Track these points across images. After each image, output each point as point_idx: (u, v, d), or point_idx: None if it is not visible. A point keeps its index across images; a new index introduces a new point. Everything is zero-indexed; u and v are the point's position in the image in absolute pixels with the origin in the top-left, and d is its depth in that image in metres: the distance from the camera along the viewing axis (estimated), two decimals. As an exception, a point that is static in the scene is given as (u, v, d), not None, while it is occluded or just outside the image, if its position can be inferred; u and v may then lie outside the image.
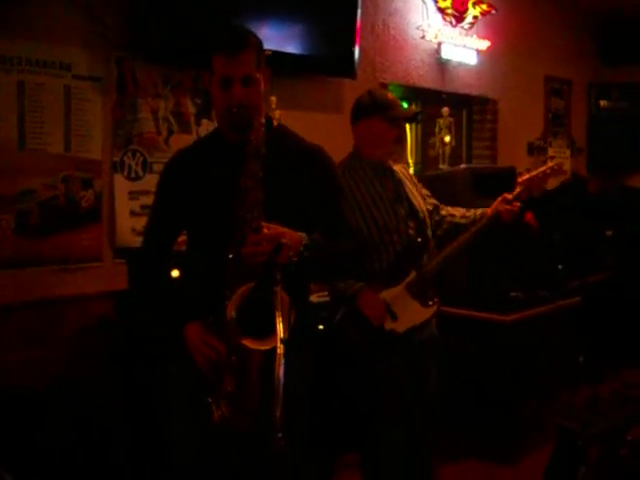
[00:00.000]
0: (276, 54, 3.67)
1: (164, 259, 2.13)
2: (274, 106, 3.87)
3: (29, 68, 3.10)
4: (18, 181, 3.10)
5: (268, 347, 1.64)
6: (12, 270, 3.09)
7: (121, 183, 3.44)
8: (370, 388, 2.70)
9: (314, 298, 3.24)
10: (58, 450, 2.84)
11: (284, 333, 1.47)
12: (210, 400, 1.86)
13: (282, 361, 1.41)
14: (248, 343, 1.72)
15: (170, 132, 3.58)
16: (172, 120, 3.59)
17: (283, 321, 1.59)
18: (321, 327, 3.31)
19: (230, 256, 1.83)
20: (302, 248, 1.82)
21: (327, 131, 4.04)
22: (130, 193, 3.46)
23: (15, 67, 3.06)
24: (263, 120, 1.95)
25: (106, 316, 3.27)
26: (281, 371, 1.40)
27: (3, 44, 3.02)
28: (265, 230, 1.78)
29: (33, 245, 3.16)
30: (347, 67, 4.19)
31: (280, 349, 1.43)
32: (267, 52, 3.61)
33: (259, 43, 2.02)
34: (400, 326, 2.66)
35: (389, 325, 2.66)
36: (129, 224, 3.44)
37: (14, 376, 3.05)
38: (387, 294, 2.67)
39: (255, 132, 1.88)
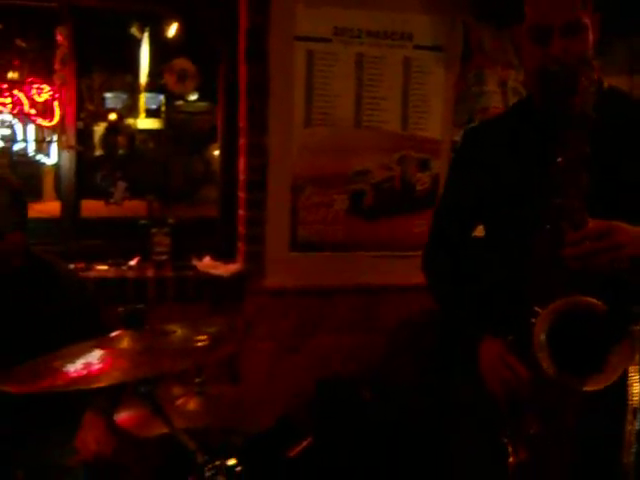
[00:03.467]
0: None
1: (459, 247, 1.76)
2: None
3: (369, 40, 2.91)
4: (353, 160, 2.97)
5: (594, 388, 1.21)
6: (341, 253, 2.97)
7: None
8: None
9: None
10: (372, 442, 2.66)
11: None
12: (506, 440, 1.44)
13: (632, 447, 0.91)
14: (567, 379, 1.25)
15: (520, 106, 3.11)
16: (523, 92, 3.11)
17: None
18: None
19: (538, 258, 1.38)
20: None
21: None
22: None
23: (355, 39, 2.90)
24: (590, 82, 1.40)
25: (429, 311, 2.98)
26: (630, 459, 0.91)
27: (342, 15, 2.88)
28: (590, 225, 1.29)
29: (364, 228, 3.00)
30: None
31: (632, 424, 0.93)
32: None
33: None
34: None
35: None
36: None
37: (331, 360, 2.97)
38: None
39: (581, 97, 1.36)
